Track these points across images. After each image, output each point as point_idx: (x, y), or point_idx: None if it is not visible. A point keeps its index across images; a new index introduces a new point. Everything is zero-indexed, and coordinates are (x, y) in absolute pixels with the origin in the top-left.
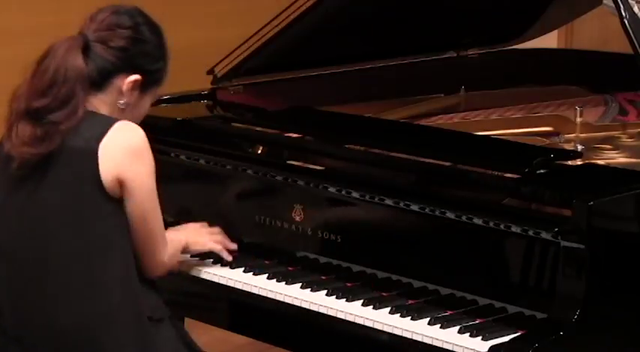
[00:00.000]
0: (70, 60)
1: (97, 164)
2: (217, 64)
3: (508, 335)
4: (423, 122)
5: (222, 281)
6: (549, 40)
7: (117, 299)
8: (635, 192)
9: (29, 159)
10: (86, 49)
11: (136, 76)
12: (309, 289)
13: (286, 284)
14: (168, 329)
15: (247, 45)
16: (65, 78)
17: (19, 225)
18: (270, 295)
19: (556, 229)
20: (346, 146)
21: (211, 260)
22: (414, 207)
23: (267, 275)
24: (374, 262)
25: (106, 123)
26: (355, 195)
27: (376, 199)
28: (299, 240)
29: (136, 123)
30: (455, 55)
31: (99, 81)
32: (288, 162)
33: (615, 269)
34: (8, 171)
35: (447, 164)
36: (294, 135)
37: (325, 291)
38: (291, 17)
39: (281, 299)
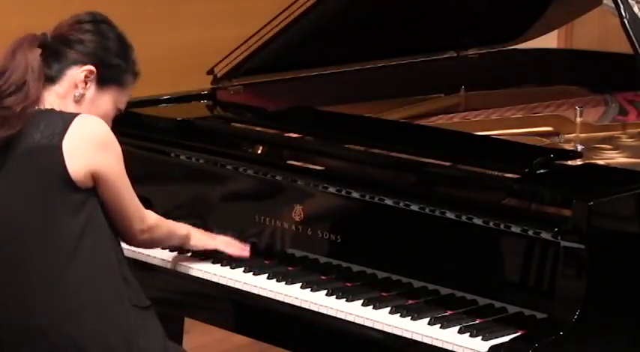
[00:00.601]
0: (22, 52)
1: (63, 160)
2: (217, 64)
3: (508, 335)
4: (423, 122)
5: (222, 281)
6: (549, 40)
7: (95, 290)
8: (635, 192)
9: None
10: (43, 45)
11: (89, 67)
12: (309, 289)
13: (286, 284)
14: (154, 317)
15: (247, 45)
16: (17, 65)
17: None
18: (270, 295)
19: (556, 229)
20: (346, 146)
21: (211, 260)
22: (414, 207)
23: (267, 275)
24: (374, 262)
25: (67, 118)
26: (355, 195)
27: (376, 199)
28: (299, 240)
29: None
30: (455, 55)
31: (54, 74)
32: (288, 162)
33: (615, 269)
34: None
35: (447, 164)
36: (294, 135)
37: (325, 291)
38: (291, 17)
39: (281, 299)
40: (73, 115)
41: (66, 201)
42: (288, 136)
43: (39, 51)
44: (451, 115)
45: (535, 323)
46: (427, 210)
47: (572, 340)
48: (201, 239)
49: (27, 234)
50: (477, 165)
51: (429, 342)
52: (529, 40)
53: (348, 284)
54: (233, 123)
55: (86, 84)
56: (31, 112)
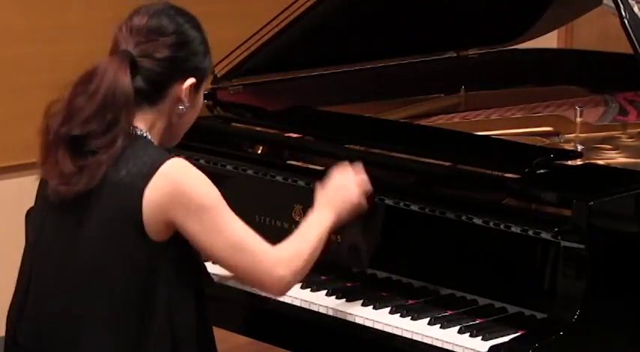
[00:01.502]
0: (120, 82)
1: (141, 205)
2: (217, 64)
3: (508, 335)
4: (423, 122)
5: (222, 282)
6: (549, 40)
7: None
8: (635, 192)
9: (68, 196)
10: (132, 67)
11: (192, 80)
12: (309, 289)
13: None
14: None
15: (247, 45)
16: (114, 102)
17: (59, 259)
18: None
19: (556, 229)
20: (346, 146)
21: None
22: (414, 207)
23: None
24: (374, 262)
25: (156, 160)
26: None
27: (376, 199)
28: None
29: (194, 118)
30: (455, 55)
31: (153, 94)
32: (288, 162)
33: (615, 269)
34: (48, 199)
35: (447, 164)
36: (294, 135)
37: (325, 291)
38: (291, 17)
39: (281, 299)
40: (164, 158)
41: (129, 250)
42: (288, 136)
43: (130, 79)
44: (451, 115)
45: (535, 323)
46: (427, 210)
47: (572, 340)
48: (347, 205)
49: (90, 274)
50: (477, 165)
51: (429, 342)
52: (529, 40)
53: (348, 284)
54: (233, 123)
55: (189, 95)
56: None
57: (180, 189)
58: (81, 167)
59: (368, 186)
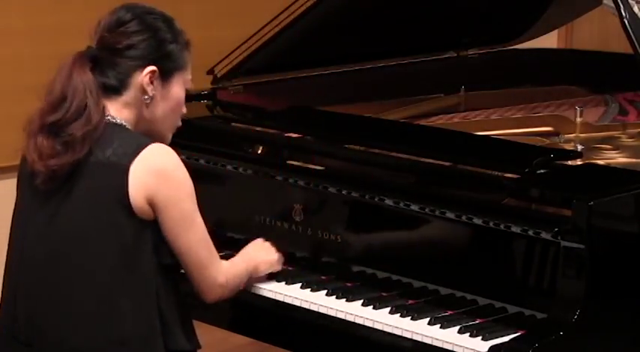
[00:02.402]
0: (76, 74)
1: (127, 182)
2: (217, 64)
3: (508, 335)
4: (423, 122)
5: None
6: (549, 40)
7: (133, 327)
8: (635, 192)
9: (55, 171)
10: (95, 60)
11: (150, 68)
12: (309, 289)
13: (286, 284)
14: None
15: (247, 45)
16: (74, 92)
17: (45, 239)
18: (270, 295)
19: (556, 229)
20: (346, 146)
21: None
22: (414, 207)
23: (266, 275)
24: (374, 262)
25: (141, 143)
26: (355, 195)
27: (376, 199)
28: (299, 240)
29: (176, 115)
30: (455, 55)
31: (118, 86)
32: (288, 162)
33: (615, 269)
34: (33, 186)
35: (447, 164)
36: (294, 135)
37: (325, 291)
38: (291, 17)
39: (281, 299)
40: (149, 141)
41: (120, 225)
42: (288, 136)
43: (88, 70)
44: (451, 115)
45: (535, 323)
46: (427, 210)
47: (572, 340)
48: (265, 265)
49: (77, 250)
50: (477, 165)
51: (429, 342)
52: (529, 40)
53: (348, 284)
54: (233, 123)
55: (152, 84)
56: (100, 129)
57: (163, 172)
58: (61, 146)
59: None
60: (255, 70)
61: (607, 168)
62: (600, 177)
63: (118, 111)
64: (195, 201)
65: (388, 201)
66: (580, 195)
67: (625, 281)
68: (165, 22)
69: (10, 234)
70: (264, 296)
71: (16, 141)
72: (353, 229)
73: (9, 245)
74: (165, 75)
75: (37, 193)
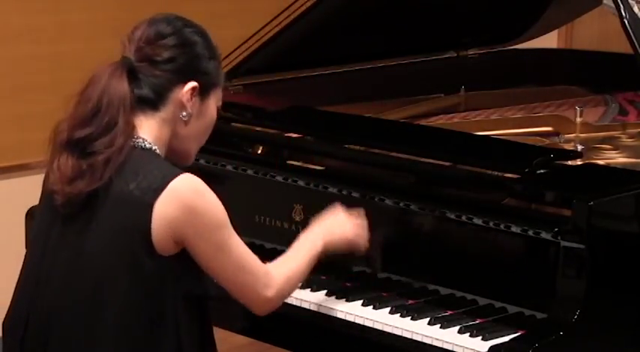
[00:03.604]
0: (113, 86)
1: (150, 220)
2: None
3: (508, 335)
4: (423, 122)
5: None
6: (549, 40)
7: None
8: (635, 192)
9: (72, 197)
10: (132, 72)
11: (192, 84)
12: (309, 289)
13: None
14: None
15: (247, 45)
16: (108, 105)
17: (65, 267)
18: None
19: (556, 229)
20: (346, 146)
21: None
22: (414, 207)
23: None
24: (374, 262)
25: (167, 175)
26: (355, 195)
27: (376, 199)
28: None
29: (207, 133)
30: (455, 55)
31: (155, 100)
32: (288, 162)
33: (615, 269)
34: (54, 205)
35: (447, 164)
36: (294, 135)
37: (325, 291)
38: (291, 17)
39: None
40: (175, 173)
41: (136, 262)
42: (288, 136)
43: (126, 83)
44: (451, 115)
45: (535, 323)
46: (427, 210)
47: (572, 340)
48: (338, 238)
49: (96, 284)
50: (477, 165)
51: (429, 342)
52: (529, 40)
53: (348, 285)
54: (233, 123)
55: (192, 101)
56: (124, 154)
57: (192, 207)
58: (84, 168)
59: (365, 232)
60: (255, 70)
61: (607, 168)
62: (600, 177)
63: (150, 127)
64: (228, 226)
65: (388, 201)
66: (580, 195)
67: (625, 281)
68: (203, 36)
69: (28, 246)
70: None
71: (16, 141)
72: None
73: (26, 256)
74: (203, 92)
75: (58, 214)
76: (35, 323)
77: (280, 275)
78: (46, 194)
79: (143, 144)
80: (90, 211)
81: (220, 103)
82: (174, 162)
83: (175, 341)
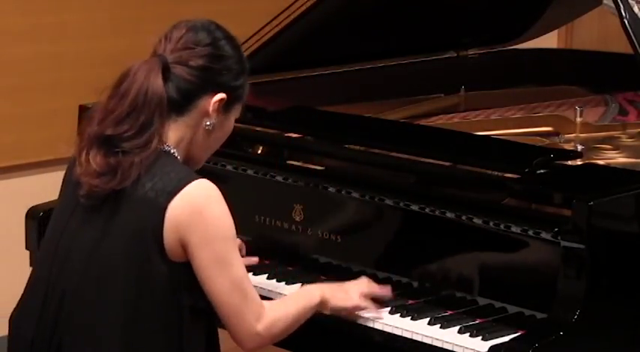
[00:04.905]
0: (151, 83)
1: (163, 222)
2: None
3: (508, 335)
4: (423, 122)
5: None
6: (549, 40)
7: None
8: (635, 192)
9: (96, 191)
10: (165, 71)
11: (221, 95)
12: None
13: (286, 284)
14: None
15: (247, 45)
16: (145, 103)
17: (78, 265)
18: (270, 295)
19: (556, 229)
20: (346, 146)
21: None
22: (414, 207)
23: (267, 274)
24: (374, 262)
25: (182, 179)
26: (355, 195)
27: (376, 199)
28: (299, 240)
29: (220, 143)
30: (455, 55)
31: (182, 104)
32: (288, 162)
33: (615, 269)
34: (77, 195)
35: (447, 164)
36: (294, 135)
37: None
38: (291, 17)
39: None
40: (191, 178)
41: (148, 265)
42: (288, 136)
43: (162, 81)
44: (451, 115)
45: (535, 323)
46: (427, 210)
47: (572, 340)
48: (338, 300)
49: (109, 283)
50: (477, 165)
51: (429, 342)
52: (529, 40)
53: None
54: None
55: (217, 111)
56: (152, 158)
57: (201, 212)
58: (113, 165)
59: (368, 305)
60: (255, 70)
61: (607, 168)
62: (600, 177)
63: (172, 131)
64: (233, 243)
65: (388, 201)
66: (580, 195)
67: (625, 282)
68: (238, 51)
69: (48, 229)
70: (264, 296)
71: (16, 141)
72: (353, 229)
73: (44, 238)
74: (228, 105)
75: (78, 205)
76: (51, 297)
77: (271, 314)
78: (73, 180)
79: (163, 147)
80: (109, 207)
81: (238, 117)
82: (187, 165)
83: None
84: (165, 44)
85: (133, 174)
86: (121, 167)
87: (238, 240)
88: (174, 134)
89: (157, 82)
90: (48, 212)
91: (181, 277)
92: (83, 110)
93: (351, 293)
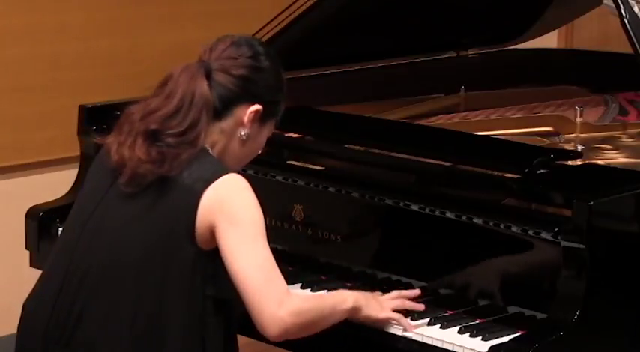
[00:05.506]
0: (197, 85)
1: (197, 208)
2: None
3: (508, 335)
4: (423, 122)
5: None
6: (549, 40)
7: None
8: (635, 192)
9: (141, 177)
10: (208, 77)
11: (257, 106)
12: (309, 289)
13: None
14: None
15: None
16: (192, 104)
17: (110, 250)
18: None
19: (556, 229)
20: (346, 146)
21: None
22: (414, 207)
23: None
24: (374, 262)
25: (218, 170)
26: (355, 195)
27: (376, 199)
28: (299, 240)
29: (251, 158)
30: (455, 55)
31: (220, 109)
32: (288, 162)
33: (615, 269)
34: (110, 182)
35: (447, 164)
36: (294, 135)
37: (325, 291)
38: (291, 17)
39: None
40: (225, 171)
41: (181, 251)
42: (288, 136)
43: (207, 85)
44: (451, 115)
45: (535, 323)
46: (427, 210)
47: (572, 340)
48: (372, 310)
49: (136, 266)
50: (477, 165)
51: (429, 342)
52: (529, 40)
53: (348, 284)
54: None
55: (252, 122)
56: (197, 152)
57: (232, 198)
58: (161, 155)
59: (395, 316)
60: None
61: (607, 168)
62: (600, 177)
63: (209, 133)
64: (262, 230)
65: (388, 201)
66: (580, 195)
67: (625, 281)
68: (278, 68)
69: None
70: None
71: (16, 141)
72: (353, 229)
73: (66, 225)
74: (264, 118)
75: (117, 195)
76: (74, 273)
77: (299, 303)
78: (106, 167)
79: (203, 145)
80: (148, 194)
81: (271, 134)
82: None
83: (200, 335)
84: (209, 54)
85: (180, 166)
86: (168, 157)
87: (392, 316)
88: (210, 137)
89: (203, 85)
90: (48, 212)
91: (207, 265)
92: (83, 110)
93: (384, 305)
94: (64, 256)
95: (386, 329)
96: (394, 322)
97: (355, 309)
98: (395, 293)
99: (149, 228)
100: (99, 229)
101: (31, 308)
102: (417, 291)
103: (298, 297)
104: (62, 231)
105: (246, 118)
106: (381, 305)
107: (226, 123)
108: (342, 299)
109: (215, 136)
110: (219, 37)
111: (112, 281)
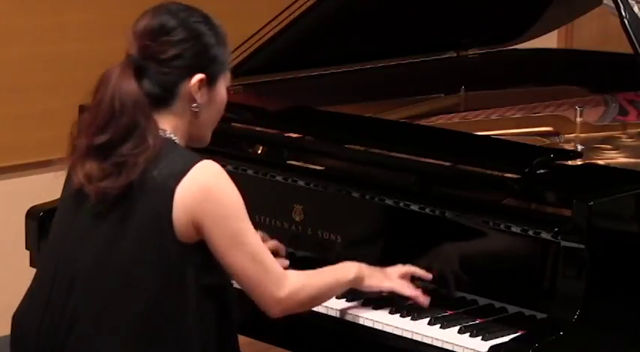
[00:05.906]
0: (123, 87)
1: (172, 204)
2: None
3: (508, 335)
4: (423, 122)
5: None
6: (549, 40)
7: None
8: (635, 192)
9: (107, 193)
10: (138, 71)
11: (199, 76)
12: None
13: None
14: None
15: (247, 45)
16: (122, 107)
17: (102, 261)
18: None
19: (556, 229)
20: (346, 146)
21: None
22: (414, 207)
23: None
24: (374, 262)
25: (187, 161)
26: (355, 195)
27: (376, 199)
28: (299, 240)
29: (219, 114)
30: (455, 55)
31: (165, 97)
32: (288, 162)
33: (615, 269)
34: (84, 206)
35: (447, 164)
36: (294, 135)
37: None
38: (291, 17)
39: None
40: (195, 160)
41: (160, 251)
42: (288, 136)
43: (134, 82)
44: (451, 115)
45: (535, 323)
46: (427, 210)
47: (572, 340)
48: (374, 279)
49: (125, 276)
50: (477, 165)
51: (429, 342)
52: (529, 40)
53: None
54: (233, 123)
55: (200, 91)
56: (157, 148)
57: (210, 193)
58: (115, 167)
59: (397, 284)
60: (255, 70)
61: (607, 168)
62: (600, 177)
63: (166, 120)
64: (245, 218)
65: (388, 201)
66: (580, 195)
67: (625, 281)
68: (207, 23)
69: (50, 243)
70: None
71: (16, 141)
72: (353, 229)
73: (45, 252)
74: (211, 80)
75: (89, 212)
76: (60, 286)
77: (297, 281)
78: (74, 188)
79: (164, 134)
80: (123, 204)
81: (229, 82)
82: (192, 145)
83: (198, 332)
84: (132, 40)
85: (138, 170)
86: (126, 166)
87: (275, 242)
88: (169, 123)
89: (130, 85)
90: (48, 212)
91: (196, 258)
92: (83, 110)
93: (390, 275)
94: (49, 271)
95: (386, 330)
96: (398, 289)
97: (358, 279)
98: (404, 267)
99: (130, 235)
100: (76, 247)
101: (19, 319)
102: (429, 275)
103: (296, 276)
104: (49, 242)
105: (193, 92)
106: (385, 275)
107: (177, 106)
108: (344, 272)
109: (172, 121)
110: (139, 17)
111: (101, 288)
